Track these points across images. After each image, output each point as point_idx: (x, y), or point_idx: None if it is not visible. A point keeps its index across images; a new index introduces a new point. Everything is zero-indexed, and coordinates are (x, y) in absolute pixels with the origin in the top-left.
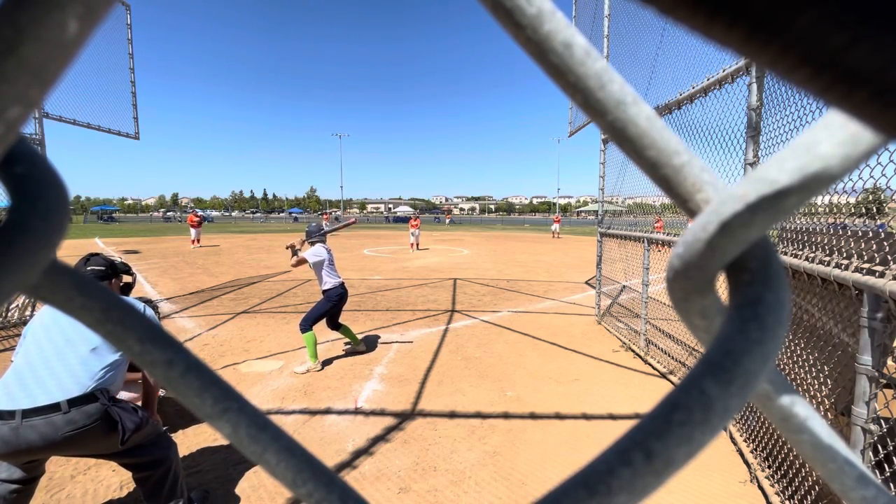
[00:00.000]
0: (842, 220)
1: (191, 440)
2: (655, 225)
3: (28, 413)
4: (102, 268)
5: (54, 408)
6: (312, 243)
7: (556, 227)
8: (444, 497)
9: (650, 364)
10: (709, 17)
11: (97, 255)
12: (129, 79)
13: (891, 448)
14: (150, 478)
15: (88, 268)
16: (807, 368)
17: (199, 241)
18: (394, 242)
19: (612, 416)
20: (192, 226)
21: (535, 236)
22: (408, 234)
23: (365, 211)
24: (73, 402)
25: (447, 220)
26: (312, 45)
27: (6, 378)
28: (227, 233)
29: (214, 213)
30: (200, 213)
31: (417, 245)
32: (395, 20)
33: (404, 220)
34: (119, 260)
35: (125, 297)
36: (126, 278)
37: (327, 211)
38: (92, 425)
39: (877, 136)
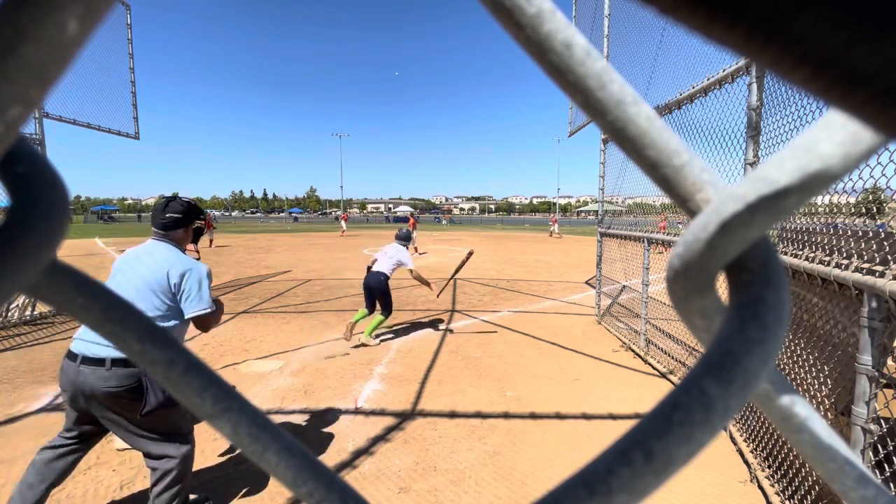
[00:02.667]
0: (834, 220)
1: None
2: (659, 224)
3: (84, 360)
4: (179, 215)
5: (100, 362)
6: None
7: (554, 227)
8: (444, 497)
9: (650, 364)
10: (709, 17)
11: (174, 198)
12: (129, 78)
13: (891, 448)
14: (156, 470)
15: (167, 214)
16: (807, 368)
17: (211, 241)
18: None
19: (612, 416)
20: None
21: (535, 236)
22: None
23: (365, 211)
24: (116, 362)
25: (444, 221)
26: (313, 46)
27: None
28: (226, 233)
29: (215, 213)
30: (210, 212)
31: (416, 249)
32: (395, 20)
33: (404, 219)
34: (194, 202)
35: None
36: (198, 222)
37: (339, 211)
38: (126, 387)
39: (877, 136)
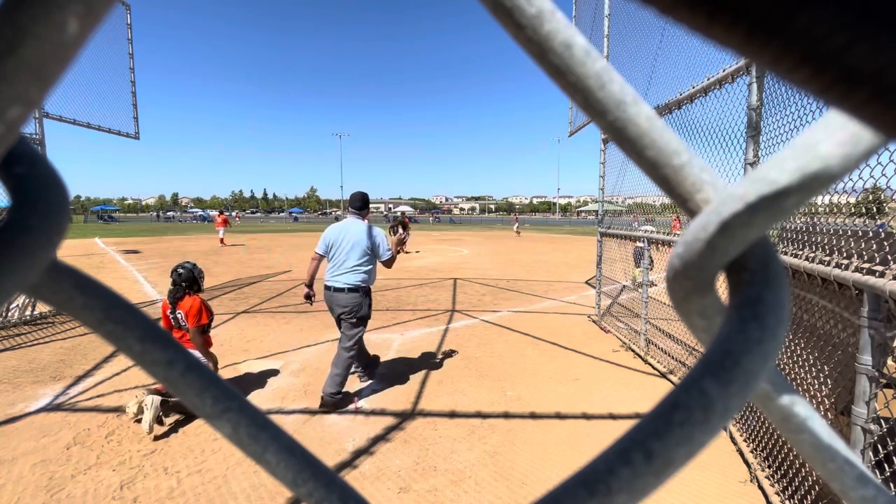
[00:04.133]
0: (815, 218)
1: (191, 439)
2: (673, 223)
3: (336, 289)
4: (360, 203)
5: (341, 290)
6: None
7: (515, 225)
8: (444, 497)
9: (650, 364)
10: (709, 17)
11: (361, 192)
12: (130, 78)
13: (891, 448)
14: (348, 345)
15: (360, 204)
16: (807, 368)
17: (222, 240)
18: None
19: (612, 416)
20: (220, 226)
21: (536, 236)
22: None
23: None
24: (352, 290)
25: (431, 220)
26: (313, 45)
27: (329, 267)
28: (231, 232)
29: (214, 213)
30: (226, 213)
31: (404, 249)
32: (395, 22)
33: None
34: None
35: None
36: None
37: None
38: (353, 304)
39: (877, 136)
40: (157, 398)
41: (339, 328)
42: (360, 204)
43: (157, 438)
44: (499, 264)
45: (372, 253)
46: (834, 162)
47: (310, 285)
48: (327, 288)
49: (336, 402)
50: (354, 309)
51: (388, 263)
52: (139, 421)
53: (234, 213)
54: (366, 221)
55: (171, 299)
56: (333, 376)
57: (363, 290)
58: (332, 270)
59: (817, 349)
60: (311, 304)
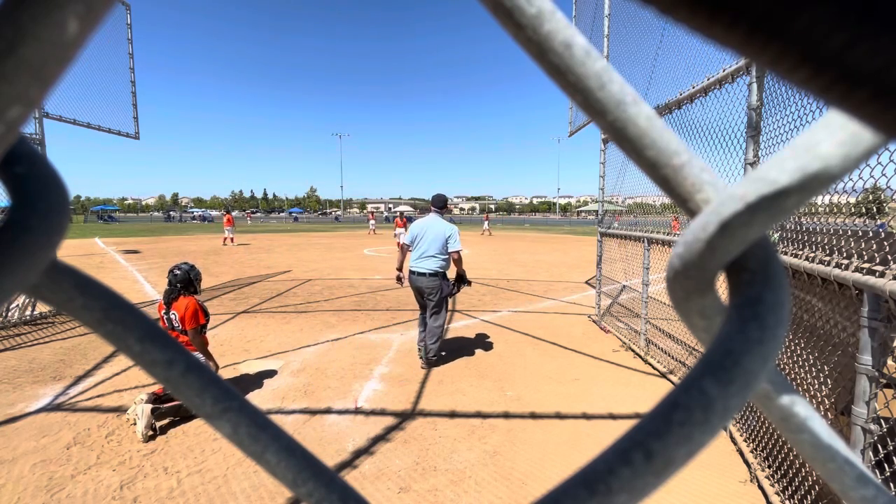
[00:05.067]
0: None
1: (191, 439)
2: (673, 223)
3: (419, 273)
4: (442, 204)
5: (424, 275)
6: None
7: (485, 224)
8: (444, 497)
9: (650, 364)
10: (709, 17)
11: (441, 195)
12: (130, 78)
13: (891, 448)
14: (434, 328)
15: (441, 204)
16: (807, 368)
17: (232, 238)
18: (394, 242)
19: (612, 416)
20: (227, 225)
21: (536, 236)
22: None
23: (365, 210)
24: (432, 275)
25: None
26: (313, 45)
27: (413, 255)
28: (235, 233)
29: (214, 213)
30: (231, 212)
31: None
32: (395, 22)
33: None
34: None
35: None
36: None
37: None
38: (435, 285)
39: (877, 136)
40: (148, 407)
41: (423, 307)
42: (441, 204)
43: (151, 438)
44: (499, 264)
45: (446, 245)
46: (834, 162)
47: (399, 269)
48: (412, 272)
49: (438, 358)
50: (435, 289)
51: (456, 258)
52: (135, 423)
53: (244, 213)
54: (444, 219)
55: (165, 300)
56: (430, 345)
57: (441, 275)
58: (416, 258)
59: (817, 349)
60: (402, 286)
